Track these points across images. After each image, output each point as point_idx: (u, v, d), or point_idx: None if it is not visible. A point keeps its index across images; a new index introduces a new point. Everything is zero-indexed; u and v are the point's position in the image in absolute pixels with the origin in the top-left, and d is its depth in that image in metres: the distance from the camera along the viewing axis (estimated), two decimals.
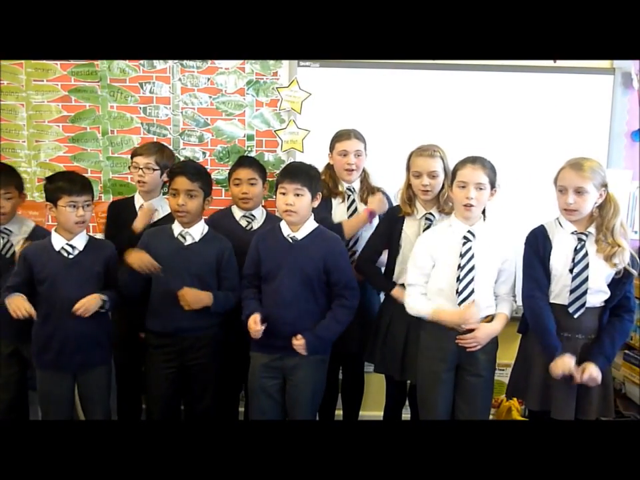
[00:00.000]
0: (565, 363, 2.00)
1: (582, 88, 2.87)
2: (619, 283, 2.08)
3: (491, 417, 2.84)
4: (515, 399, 2.93)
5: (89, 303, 2.13)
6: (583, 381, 2.01)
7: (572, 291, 2.06)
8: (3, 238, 2.35)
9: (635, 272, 2.08)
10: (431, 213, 2.32)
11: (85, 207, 2.17)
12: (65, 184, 2.16)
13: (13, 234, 2.36)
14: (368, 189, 2.57)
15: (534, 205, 2.68)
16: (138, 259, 2.19)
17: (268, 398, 2.23)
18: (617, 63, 2.87)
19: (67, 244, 2.20)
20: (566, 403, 2.07)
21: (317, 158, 2.61)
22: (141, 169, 2.49)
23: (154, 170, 2.50)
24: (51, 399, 2.24)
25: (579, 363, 2.06)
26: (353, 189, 2.56)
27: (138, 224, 2.42)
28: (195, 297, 2.21)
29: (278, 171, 2.33)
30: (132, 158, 2.54)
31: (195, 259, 2.26)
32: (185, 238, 2.28)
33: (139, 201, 2.56)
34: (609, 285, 2.08)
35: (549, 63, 2.82)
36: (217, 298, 2.26)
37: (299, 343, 2.13)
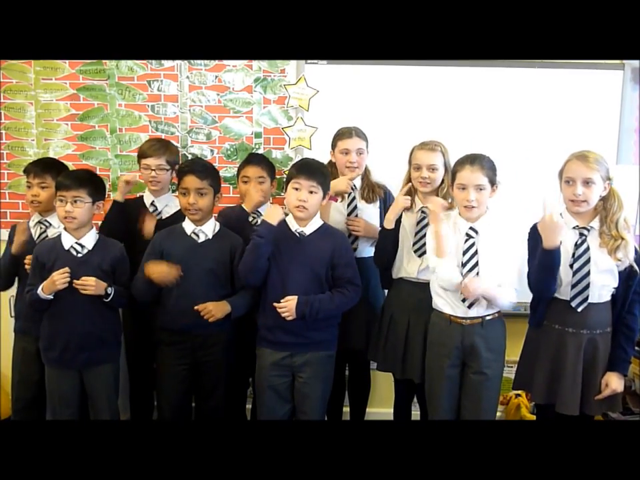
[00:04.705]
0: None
1: (591, 83, 2.84)
2: (625, 283, 2.07)
3: (499, 414, 2.84)
4: (524, 395, 2.93)
5: (90, 282, 2.13)
6: (606, 394, 2.05)
7: (573, 286, 2.06)
8: (41, 228, 2.39)
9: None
10: (427, 207, 2.30)
11: (73, 203, 2.16)
12: (59, 178, 2.21)
13: (51, 226, 2.39)
14: (369, 187, 2.56)
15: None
16: (158, 271, 2.17)
17: (277, 396, 2.24)
18: None
19: (76, 242, 2.21)
20: (571, 397, 2.06)
21: (325, 155, 2.60)
22: (154, 170, 2.50)
23: (166, 170, 2.52)
24: (57, 396, 2.26)
25: (585, 357, 2.06)
26: (354, 186, 2.53)
27: (146, 230, 2.42)
28: (217, 306, 2.21)
29: (286, 169, 2.31)
30: (140, 159, 2.54)
31: (210, 256, 2.26)
32: (198, 236, 2.29)
33: (148, 199, 2.57)
34: (618, 283, 2.07)
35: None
36: (234, 303, 2.25)
37: (289, 302, 2.11)
